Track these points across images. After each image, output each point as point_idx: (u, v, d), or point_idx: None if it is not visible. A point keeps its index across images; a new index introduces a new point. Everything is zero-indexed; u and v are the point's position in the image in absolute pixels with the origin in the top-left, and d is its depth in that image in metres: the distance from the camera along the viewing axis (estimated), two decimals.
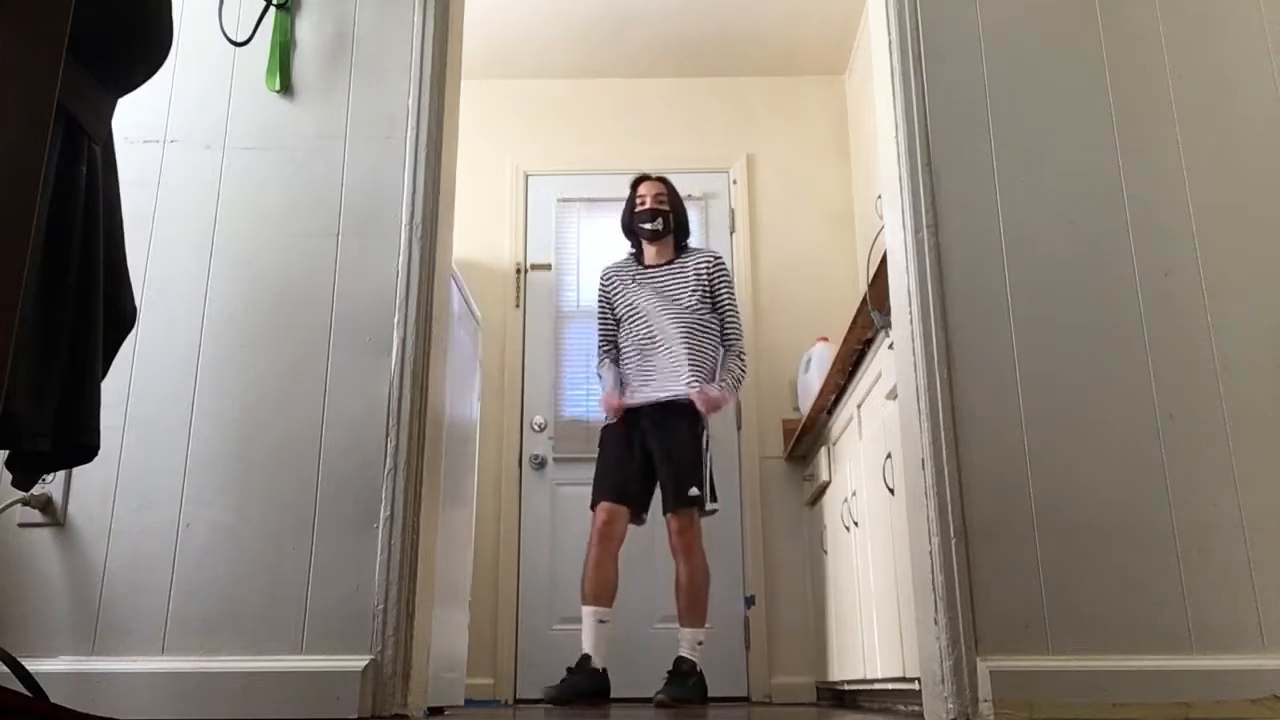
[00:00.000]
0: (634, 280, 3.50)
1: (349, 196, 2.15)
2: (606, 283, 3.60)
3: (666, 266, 3.50)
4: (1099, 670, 1.74)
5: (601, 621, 3.18)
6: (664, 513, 3.30)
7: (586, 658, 3.15)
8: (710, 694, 3.35)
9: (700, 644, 3.22)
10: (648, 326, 3.43)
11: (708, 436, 3.33)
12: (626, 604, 3.99)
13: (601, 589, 3.19)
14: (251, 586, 1.92)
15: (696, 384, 3.31)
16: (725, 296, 3.48)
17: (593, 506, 3.31)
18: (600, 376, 3.59)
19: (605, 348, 3.58)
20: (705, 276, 3.46)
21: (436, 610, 2.36)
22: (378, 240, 2.11)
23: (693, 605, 3.22)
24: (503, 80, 4.70)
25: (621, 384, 3.44)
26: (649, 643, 3.96)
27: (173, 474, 1.98)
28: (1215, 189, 2.03)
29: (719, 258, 3.54)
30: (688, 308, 3.41)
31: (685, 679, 3.16)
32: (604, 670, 3.17)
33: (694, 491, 3.21)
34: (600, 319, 3.62)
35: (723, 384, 3.39)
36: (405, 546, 1.94)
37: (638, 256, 3.60)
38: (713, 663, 3.54)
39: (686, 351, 3.35)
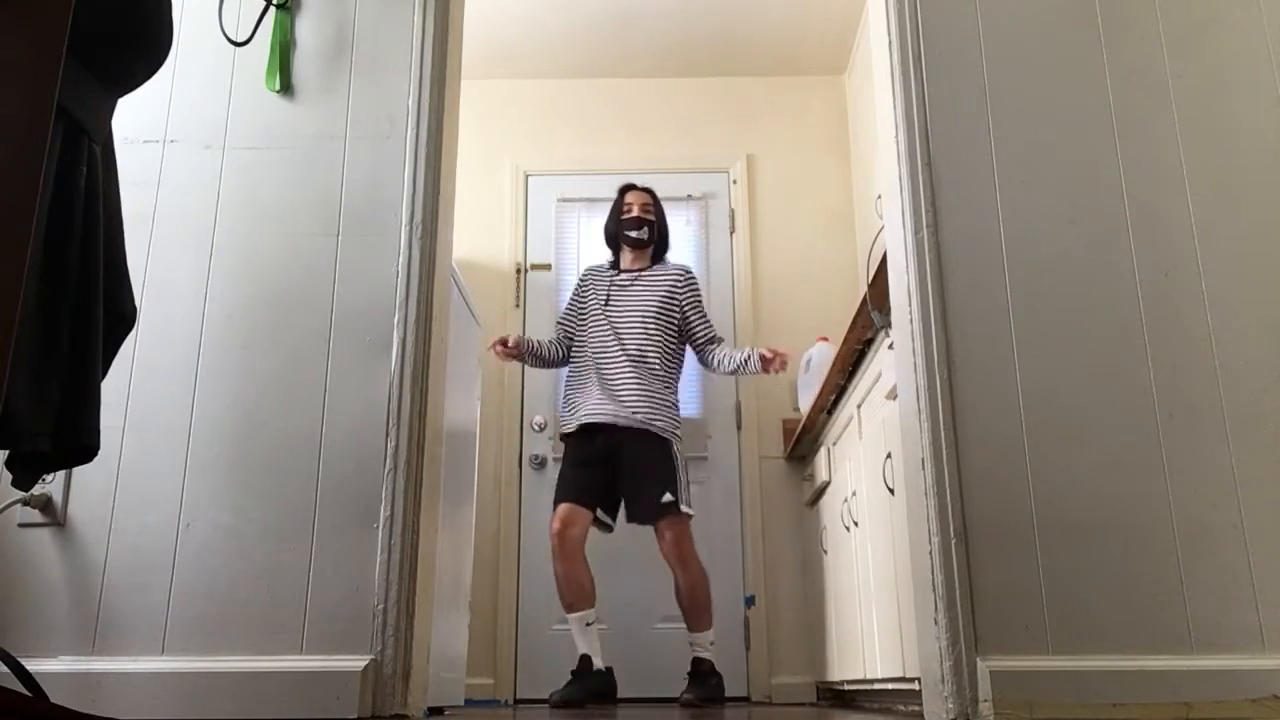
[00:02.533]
0: (609, 286, 3.49)
1: (349, 196, 2.15)
2: (583, 282, 3.59)
3: (639, 273, 3.51)
4: (1099, 670, 1.74)
5: (588, 624, 3.19)
6: (633, 520, 3.28)
7: (587, 659, 3.16)
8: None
9: (712, 643, 3.26)
10: (605, 335, 3.40)
11: (679, 451, 3.30)
12: (627, 604, 4.00)
13: (579, 595, 3.18)
14: (251, 586, 1.92)
15: (753, 353, 3.40)
16: (695, 315, 3.50)
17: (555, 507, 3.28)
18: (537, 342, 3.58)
19: (561, 339, 3.59)
20: (677, 295, 3.46)
21: (436, 610, 2.36)
22: (378, 240, 2.12)
23: (698, 612, 3.23)
24: (503, 80, 4.70)
25: (569, 396, 3.44)
26: (650, 643, 3.96)
27: (173, 474, 1.98)
28: (1215, 189, 2.03)
29: (689, 272, 3.54)
30: (649, 326, 3.39)
31: (707, 679, 3.20)
32: (609, 669, 3.19)
33: (667, 497, 3.17)
34: (565, 314, 3.62)
35: (744, 354, 3.44)
36: (405, 546, 1.94)
37: (615, 263, 3.59)
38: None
39: (635, 379, 3.32)
